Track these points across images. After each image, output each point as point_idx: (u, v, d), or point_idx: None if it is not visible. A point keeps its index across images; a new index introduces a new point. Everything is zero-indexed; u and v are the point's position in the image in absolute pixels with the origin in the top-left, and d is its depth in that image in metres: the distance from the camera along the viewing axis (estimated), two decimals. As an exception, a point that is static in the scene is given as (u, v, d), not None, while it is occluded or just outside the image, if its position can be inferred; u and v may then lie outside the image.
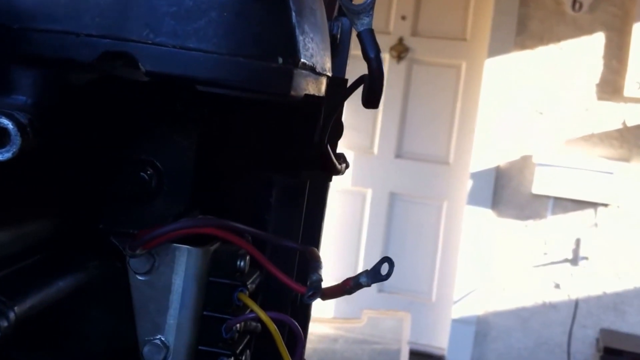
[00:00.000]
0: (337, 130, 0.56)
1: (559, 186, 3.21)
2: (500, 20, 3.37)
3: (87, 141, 0.58)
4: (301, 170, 0.57)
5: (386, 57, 3.63)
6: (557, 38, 3.28)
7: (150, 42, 0.43)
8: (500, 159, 3.38)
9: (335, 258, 3.72)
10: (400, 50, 3.67)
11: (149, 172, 0.60)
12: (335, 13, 0.65)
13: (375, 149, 3.75)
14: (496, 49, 3.37)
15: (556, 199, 3.28)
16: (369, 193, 3.76)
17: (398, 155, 3.72)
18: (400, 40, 3.67)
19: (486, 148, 3.39)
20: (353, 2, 0.46)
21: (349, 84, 0.57)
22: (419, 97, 3.67)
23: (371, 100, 0.48)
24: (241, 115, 0.59)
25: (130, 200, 0.60)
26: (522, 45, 3.33)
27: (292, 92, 0.43)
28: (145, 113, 0.60)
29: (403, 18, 3.67)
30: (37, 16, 0.47)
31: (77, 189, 0.59)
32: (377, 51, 0.46)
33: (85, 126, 0.57)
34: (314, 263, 0.50)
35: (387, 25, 3.68)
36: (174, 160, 0.60)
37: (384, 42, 3.62)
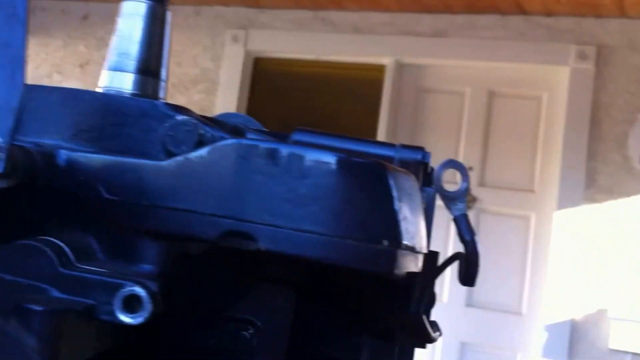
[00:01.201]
0: (431, 300, 0.60)
1: (636, 341, 3.14)
2: (569, 173, 3.41)
3: (194, 302, 0.63)
4: (396, 338, 0.61)
5: (454, 207, 3.67)
6: (627, 193, 3.30)
7: (268, 223, 0.49)
8: (575, 312, 3.33)
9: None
10: (468, 200, 3.72)
11: (250, 331, 0.64)
12: (420, 184, 0.70)
13: (445, 297, 3.73)
14: (565, 202, 3.40)
15: (634, 354, 3.20)
16: (440, 341, 3.73)
17: (469, 304, 3.70)
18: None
19: (559, 300, 3.36)
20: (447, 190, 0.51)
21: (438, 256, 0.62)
22: (488, 247, 3.68)
23: (469, 279, 0.52)
24: (338, 282, 0.63)
25: (233, 358, 0.64)
26: (592, 199, 3.35)
27: (396, 271, 0.48)
28: (248, 276, 0.65)
29: (470, 169, 3.74)
30: (164, 195, 0.52)
31: (182, 347, 0.64)
32: (473, 234, 0.51)
33: (195, 290, 0.62)
34: None
35: (454, 175, 3.74)
36: (272, 320, 0.64)
37: (452, 193, 3.66)
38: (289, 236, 0.48)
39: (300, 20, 3.91)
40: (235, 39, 4.03)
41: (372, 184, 0.49)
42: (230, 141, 0.51)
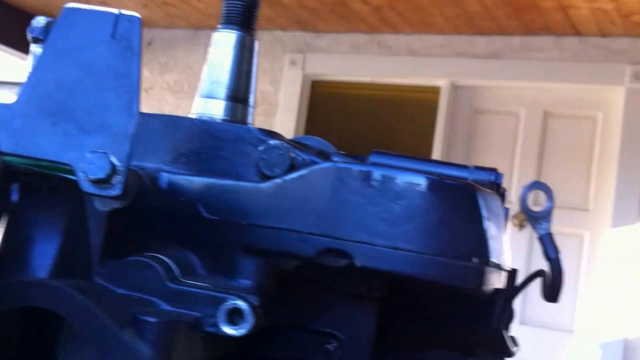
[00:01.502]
0: (510, 315, 0.63)
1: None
2: (623, 192, 3.39)
3: (279, 315, 0.66)
4: (475, 352, 0.63)
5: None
6: (684, 211, 3.27)
7: (363, 241, 0.52)
8: (628, 330, 3.30)
9: None
10: (522, 219, 3.70)
11: (333, 344, 0.67)
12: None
13: (499, 318, 3.71)
14: (620, 220, 3.38)
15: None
16: (493, 362, 3.70)
17: (522, 322, 3.68)
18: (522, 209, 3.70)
19: (612, 318, 3.33)
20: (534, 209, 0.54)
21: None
22: (541, 265, 3.65)
23: (553, 296, 0.55)
24: (419, 298, 0.66)
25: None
26: (647, 217, 3.33)
27: (483, 288, 0.51)
28: (333, 291, 0.68)
29: (525, 188, 3.72)
30: (263, 215, 0.55)
31: (267, 359, 0.67)
32: (557, 252, 0.53)
33: (281, 303, 0.66)
34: None
35: (509, 193, 3.73)
36: (355, 334, 0.67)
37: (506, 212, 3.67)
38: (383, 254, 0.51)
39: (357, 43, 3.96)
40: (293, 63, 4.09)
41: (463, 204, 0.52)
42: (326, 164, 0.55)
